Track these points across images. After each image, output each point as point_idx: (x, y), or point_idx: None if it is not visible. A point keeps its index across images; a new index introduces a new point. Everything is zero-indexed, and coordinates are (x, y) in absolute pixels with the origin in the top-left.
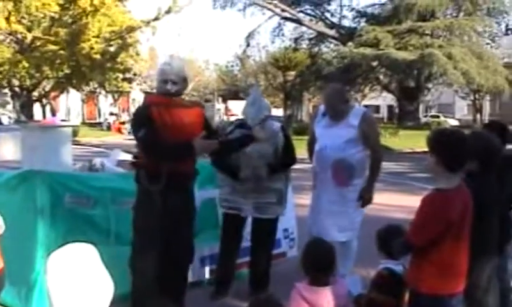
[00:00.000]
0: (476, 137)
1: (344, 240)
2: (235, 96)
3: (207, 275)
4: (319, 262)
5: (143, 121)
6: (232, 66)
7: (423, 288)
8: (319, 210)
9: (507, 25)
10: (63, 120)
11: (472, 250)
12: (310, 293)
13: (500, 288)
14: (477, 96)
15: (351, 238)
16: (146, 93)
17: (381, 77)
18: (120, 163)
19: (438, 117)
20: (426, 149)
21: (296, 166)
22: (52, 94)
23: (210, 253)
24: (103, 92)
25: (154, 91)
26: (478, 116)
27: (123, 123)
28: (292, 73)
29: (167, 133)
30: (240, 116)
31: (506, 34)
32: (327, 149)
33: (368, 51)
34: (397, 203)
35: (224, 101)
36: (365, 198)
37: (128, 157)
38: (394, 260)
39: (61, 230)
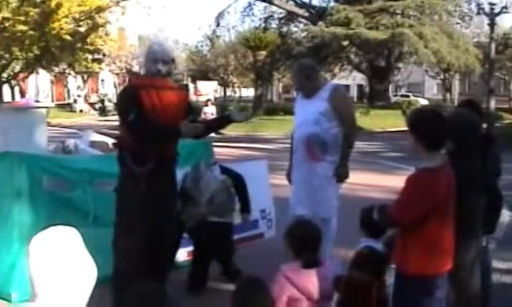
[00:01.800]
0: (454, 116)
1: (323, 216)
2: (205, 76)
3: (186, 257)
4: (308, 243)
5: (131, 104)
6: (202, 46)
7: (410, 270)
8: (295, 188)
9: (478, 5)
10: (36, 101)
11: (456, 230)
12: (297, 276)
13: (481, 269)
14: (447, 75)
15: (329, 216)
16: (132, 73)
17: (352, 56)
18: (93, 144)
19: (408, 96)
20: (397, 128)
21: (268, 146)
22: (21, 75)
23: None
24: (72, 73)
25: (123, 71)
26: (448, 95)
27: (92, 104)
28: (263, 53)
29: (156, 116)
30: (210, 97)
31: (478, 13)
32: (301, 127)
33: (339, 30)
34: (372, 183)
35: (194, 81)
36: (340, 174)
37: (102, 138)
38: (375, 239)
39: (39, 213)
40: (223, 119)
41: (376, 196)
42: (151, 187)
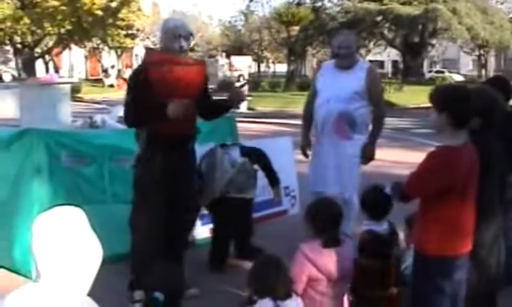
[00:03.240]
0: (477, 93)
1: (347, 196)
2: (239, 51)
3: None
4: (331, 221)
5: (133, 84)
6: (236, 21)
7: (429, 251)
8: (320, 165)
9: None
10: (61, 77)
11: (476, 209)
12: (317, 255)
13: (505, 246)
14: (482, 51)
15: (353, 195)
16: (147, 49)
17: (386, 32)
18: (121, 119)
19: (442, 72)
20: (430, 104)
21: (299, 122)
22: (55, 50)
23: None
24: (106, 48)
25: (157, 46)
26: (483, 71)
27: (126, 79)
28: (296, 28)
29: (165, 92)
30: (244, 72)
31: None
32: (331, 102)
33: (372, 6)
34: (401, 159)
35: (228, 57)
36: (367, 155)
37: None
38: (377, 221)
39: (58, 189)
40: (223, 108)
41: (402, 173)
42: (164, 162)
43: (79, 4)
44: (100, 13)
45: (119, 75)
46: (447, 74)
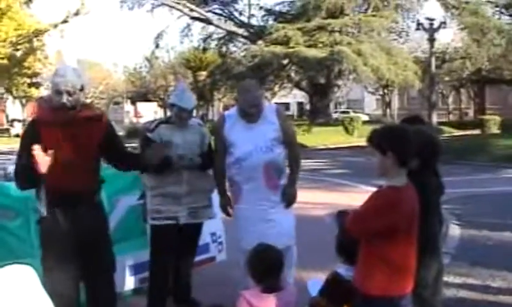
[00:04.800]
0: (417, 133)
1: (287, 244)
2: (144, 98)
3: (134, 285)
4: (272, 268)
5: (25, 145)
6: (141, 67)
7: (373, 290)
8: (253, 222)
9: (418, 21)
10: None
11: (417, 248)
12: (259, 301)
13: None
14: (385, 91)
15: (291, 244)
16: (39, 99)
17: (292, 74)
18: None
19: (348, 113)
20: (339, 145)
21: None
22: None
23: (135, 262)
24: (10, 98)
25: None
26: (388, 110)
27: None
28: (203, 73)
29: (60, 151)
30: (150, 118)
31: (417, 29)
32: (253, 154)
33: (278, 49)
34: (321, 201)
35: (133, 103)
36: (289, 197)
37: None
38: (349, 265)
39: None
40: (141, 163)
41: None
42: (71, 223)
43: None
44: (5, 62)
45: (24, 124)
46: (352, 114)
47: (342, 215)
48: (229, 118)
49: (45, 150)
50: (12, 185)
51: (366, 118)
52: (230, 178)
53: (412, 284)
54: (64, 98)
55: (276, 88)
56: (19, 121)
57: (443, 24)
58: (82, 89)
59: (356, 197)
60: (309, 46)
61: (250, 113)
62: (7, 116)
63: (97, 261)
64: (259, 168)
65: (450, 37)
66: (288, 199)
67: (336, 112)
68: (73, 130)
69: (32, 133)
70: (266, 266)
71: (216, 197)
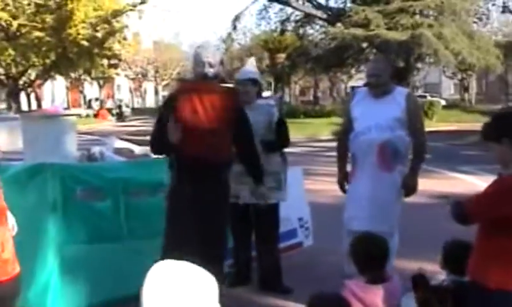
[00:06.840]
0: None
1: (387, 232)
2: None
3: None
4: (376, 259)
5: (161, 112)
6: (218, 49)
7: (491, 283)
8: (358, 201)
9: (504, 3)
10: (66, 109)
11: None
12: (365, 292)
13: None
14: (464, 75)
15: (394, 231)
16: (179, 80)
17: (371, 57)
18: (117, 151)
19: (425, 97)
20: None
21: (291, 150)
22: (37, 82)
23: None
24: (88, 79)
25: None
26: (466, 95)
27: (110, 109)
28: (282, 55)
29: (196, 121)
30: None
31: (503, 12)
32: (371, 131)
33: (359, 32)
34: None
35: None
36: (409, 186)
37: (126, 145)
38: (459, 275)
39: (73, 227)
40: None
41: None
42: (195, 193)
43: (64, 35)
44: (86, 43)
45: (101, 105)
46: (432, 98)
47: (457, 205)
48: (358, 94)
49: (180, 121)
50: (101, 165)
51: (443, 102)
52: (352, 154)
53: None
54: (206, 69)
55: (353, 71)
56: (96, 99)
57: None
58: (222, 63)
59: (444, 183)
60: (389, 28)
61: (370, 83)
62: (84, 97)
63: (211, 237)
64: (374, 145)
65: None
66: (407, 190)
67: None
68: (212, 100)
69: (169, 105)
70: (368, 258)
71: (291, 181)
